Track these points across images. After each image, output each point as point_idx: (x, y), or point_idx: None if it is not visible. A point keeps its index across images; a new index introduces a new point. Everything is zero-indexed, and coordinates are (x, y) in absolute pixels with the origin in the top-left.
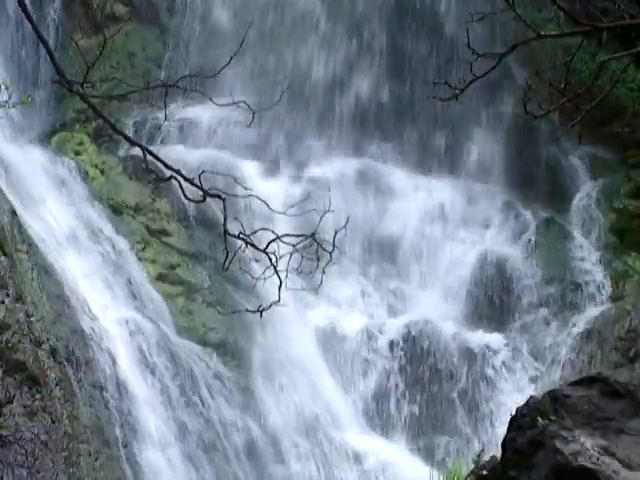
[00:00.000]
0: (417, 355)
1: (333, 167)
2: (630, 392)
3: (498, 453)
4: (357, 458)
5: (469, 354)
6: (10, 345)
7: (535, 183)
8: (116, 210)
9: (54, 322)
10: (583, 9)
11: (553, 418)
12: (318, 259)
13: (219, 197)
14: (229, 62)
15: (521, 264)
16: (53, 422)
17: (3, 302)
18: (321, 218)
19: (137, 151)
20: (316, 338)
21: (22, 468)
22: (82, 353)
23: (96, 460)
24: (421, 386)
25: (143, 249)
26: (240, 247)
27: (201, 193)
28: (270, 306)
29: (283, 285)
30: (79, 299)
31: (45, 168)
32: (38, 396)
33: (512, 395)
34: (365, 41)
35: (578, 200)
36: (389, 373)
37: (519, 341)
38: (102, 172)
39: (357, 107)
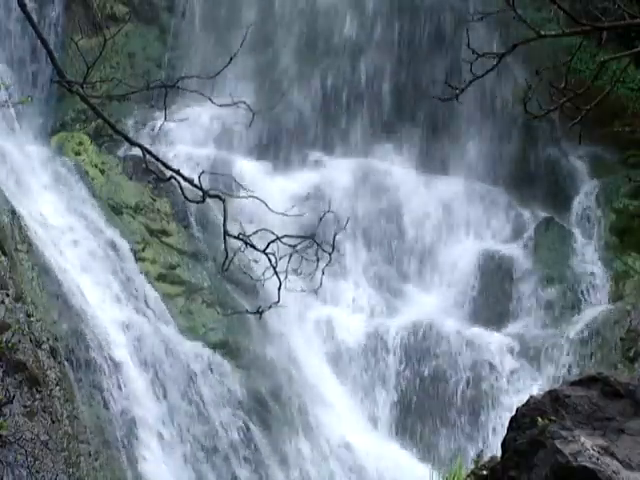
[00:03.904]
0: (417, 355)
1: (334, 167)
2: (630, 392)
3: (498, 453)
4: (357, 457)
5: (469, 354)
6: (10, 345)
7: (535, 183)
8: (116, 210)
9: (54, 322)
10: (583, 9)
11: (553, 418)
12: (318, 260)
13: (219, 197)
14: (229, 62)
15: (521, 264)
16: (53, 422)
17: (3, 302)
18: (321, 219)
19: (137, 151)
20: (316, 338)
21: (22, 468)
22: (82, 353)
23: (96, 460)
24: (422, 386)
25: (143, 249)
26: (240, 248)
27: (201, 193)
28: (270, 307)
29: (283, 286)
30: (79, 299)
31: (45, 168)
32: (38, 396)
33: (512, 395)
34: (365, 41)
35: (578, 200)
36: (389, 373)
37: (519, 341)
38: (102, 172)
39: (358, 107)
